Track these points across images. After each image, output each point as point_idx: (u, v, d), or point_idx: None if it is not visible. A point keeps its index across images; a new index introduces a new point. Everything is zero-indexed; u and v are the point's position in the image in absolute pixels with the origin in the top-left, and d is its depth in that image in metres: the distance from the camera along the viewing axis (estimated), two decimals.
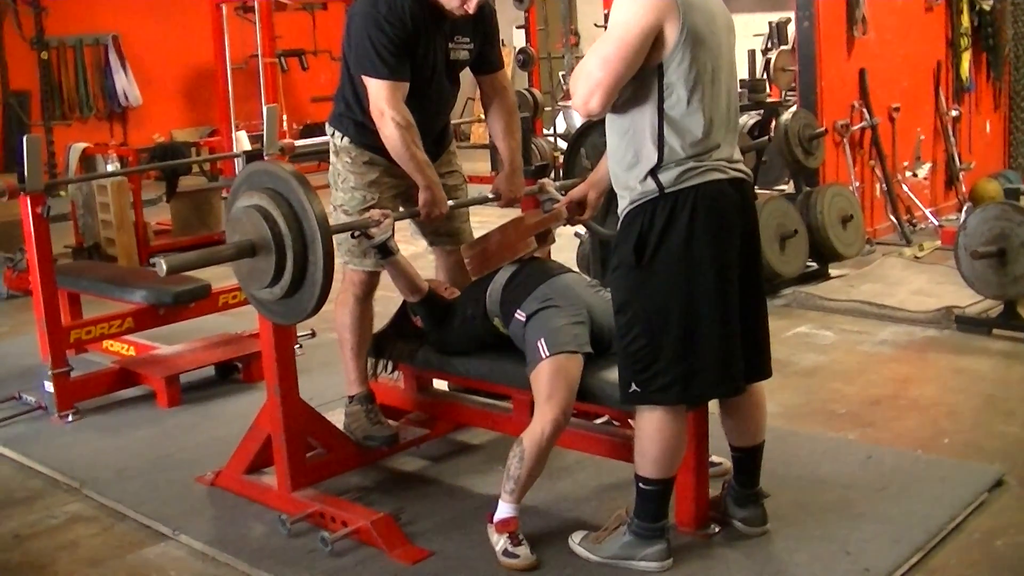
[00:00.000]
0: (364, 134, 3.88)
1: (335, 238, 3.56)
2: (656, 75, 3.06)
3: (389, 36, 3.71)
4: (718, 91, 3.14)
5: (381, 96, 3.72)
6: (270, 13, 12.31)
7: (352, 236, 3.77)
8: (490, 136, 4.20)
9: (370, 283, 4.01)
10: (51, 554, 3.72)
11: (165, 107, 13.91)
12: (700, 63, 3.07)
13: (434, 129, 4.06)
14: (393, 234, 3.69)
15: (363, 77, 3.78)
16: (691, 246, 3.10)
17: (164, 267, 3.23)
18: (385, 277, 3.93)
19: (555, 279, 3.69)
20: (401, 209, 4.04)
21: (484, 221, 4.16)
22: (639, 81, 3.08)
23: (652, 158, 3.10)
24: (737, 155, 3.25)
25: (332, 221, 3.53)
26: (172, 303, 5.29)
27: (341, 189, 4.00)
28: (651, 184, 3.11)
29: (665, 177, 3.09)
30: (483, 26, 3.99)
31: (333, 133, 4.04)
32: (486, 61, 4.11)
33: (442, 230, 4.13)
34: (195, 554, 3.66)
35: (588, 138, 4.73)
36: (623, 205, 3.22)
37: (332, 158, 4.05)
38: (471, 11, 3.79)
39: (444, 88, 4.02)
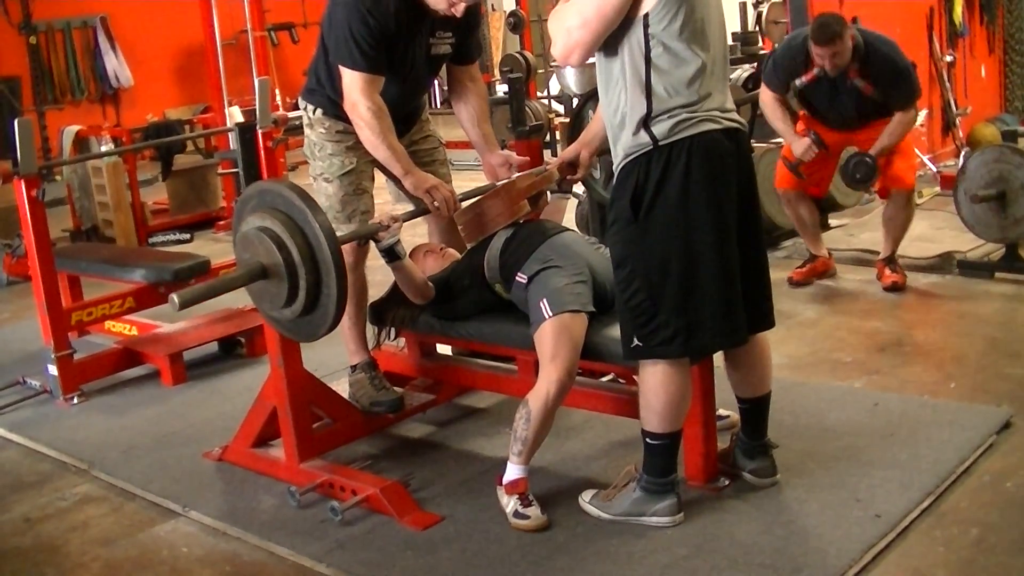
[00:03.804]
0: (337, 108, 3.89)
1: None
2: (641, 25, 3.02)
3: (372, 30, 3.68)
4: (707, 41, 3.09)
5: (356, 87, 3.73)
6: None
7: (359, 245, 3.80)
8: (462, 122, 4.17)
9: (360, 250, 4.00)
10: (62, 536, 3.73)
11: (157, 87, 13.85)
12: (688, 13, 3.02)
13: (406, 109, 4.08)
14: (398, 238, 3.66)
15: (340, 66, 3.77)
16: (687, 197, 3.08)
17: (177, 302, 3.19)
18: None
19: (554, 239, 3.67)
20: (386, 178, 4.10)
21: (478, 181, 4.14)
22: (623, 32, 3.04)
23: (640, 109, 3.07)
24: (730, 104, 3.21)
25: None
26: (172, 280, 5.26)
27: (319, 158, 4.02)
28: (644, 137, 3.08)
29: (658, 129, 3.07)
30: (467, 20, 3.94)
31: (306, 107, 4.08)
32: (465, 52, 4.09)
33: None
34: (206, 530, 3.67)
35: (594, 102, 4.68)
36: (618, 160, 3.19)
37: (307, 131, 4.08)
38: (458, 15, 3.76)
39: (421, 79, 4.04)
